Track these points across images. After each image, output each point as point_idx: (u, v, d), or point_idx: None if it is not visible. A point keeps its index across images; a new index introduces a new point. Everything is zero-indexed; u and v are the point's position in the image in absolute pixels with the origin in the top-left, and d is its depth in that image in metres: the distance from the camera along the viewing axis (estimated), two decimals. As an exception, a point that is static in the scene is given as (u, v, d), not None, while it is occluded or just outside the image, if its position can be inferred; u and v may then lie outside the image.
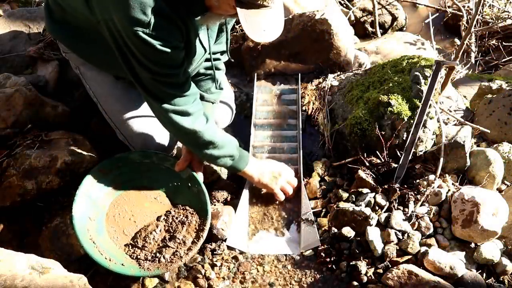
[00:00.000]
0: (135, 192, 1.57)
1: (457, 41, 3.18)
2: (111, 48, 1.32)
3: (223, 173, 1.79)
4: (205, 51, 1.49)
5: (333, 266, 1.52)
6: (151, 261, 1.43)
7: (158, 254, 1.44)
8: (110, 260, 1.38)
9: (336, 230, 1.57)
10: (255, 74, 2.15)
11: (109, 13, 1.20)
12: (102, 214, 1.50)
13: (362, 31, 3.18)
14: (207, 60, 1.62)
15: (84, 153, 1.67)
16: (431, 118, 1.70)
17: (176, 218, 1.52)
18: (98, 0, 1.23)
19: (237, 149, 1.56)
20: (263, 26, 1.20)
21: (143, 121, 1.62)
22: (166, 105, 1.36)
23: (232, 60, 1.70)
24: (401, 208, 1.56)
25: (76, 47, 1.55)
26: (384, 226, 1.53)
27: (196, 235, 1.49)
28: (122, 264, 1.39)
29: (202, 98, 1.65)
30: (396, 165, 1.63)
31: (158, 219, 1.53)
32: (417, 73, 1.74)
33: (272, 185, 1.66)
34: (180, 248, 1.45)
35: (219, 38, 1.60)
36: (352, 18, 3.14)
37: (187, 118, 1.40)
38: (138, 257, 1.43)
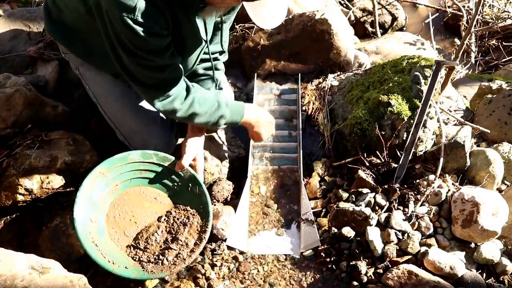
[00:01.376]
0: (135, 192, 1.56)
1: (457, 41, 3.18)
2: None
3: (223, 173, 1.79)
4: (205, 42, 1.50)
5: (333, 266, 1.52)
6: (154, 263, 1.42)
7: (161, 256, 1.43)
8: (113, 263, 1.37)
9: (336, 230, 1.57)
10: (255, 74, 2.15)
11: None
12: (103, 215, 1.49)
13: (362, 31, 3.18)
14: (206, 60, 1.62)
15: (84, 153, 1.67)
16: (431, 118, 1.70)
17: (178, 219, 1.51)
18: None
19: (226, 107, 1.57)
20: (270, 13, 1.22)
21: (143, 121, 1.62)
22: (148, 89, 1.39)
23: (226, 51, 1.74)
24: (401, 208, 1.56)
25: (74, 47, 1.56)
26: (384, 226, 1.53)
27: (198, 237, 1.48)
28: (125, 267, 1.38)
29: None
30: (396, 165, 1.63)
31: (159, 219, 1.53)
32: (417, 73, 1.74)
33: (264, 137, 1.75)
34: (183, 250, 1.45)
35: (216, 37, 1.60)
36: (352, 18, 3.14)
37: (169, 99, 1.42)
38: (141, 259, 1.43)
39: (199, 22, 1.40)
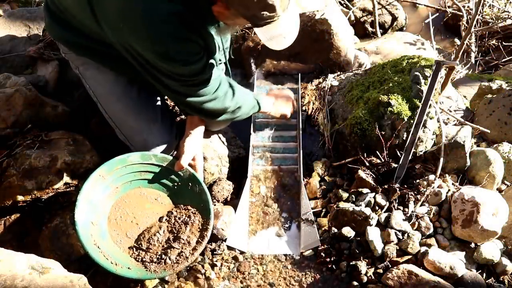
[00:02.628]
0: (136, 194, 1.57)
1: (457, 41, 3.18)
2: (111, 45, 1.37)
3: (223, 173, 1.79)
4: (219, 48, 1.56)
5: (333, 266, 1.52)
6: (157, 263, 1.42)
7: (163, 256, 1.44)
8: (116, 264, 1.37)
9: (336, 230, 1.57)
10: (255, 73, 2.15)
11: (127, 40, 1.29)
12: (104, 218, 1.49)
13: (362, 31, 3.18)
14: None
15: (84, 153, 1.67)
16: (431, 118, 1.70)
17: (179, 218, 1.52)
18: (109, 25, 1.30)
19: (255, 97, 1.72)
20: (282, 34, 1.27)
21: (144, 120, 1.62)
22: (198, 99, 1.46)
23: (232, 57, 1.80)
24: (401, 208, 1.56)
25: (75, 46, 1.56)
26: (384, 226, 1.53)
27: (200, 235, 1.49)
28: (128, 268, 1.39)
29: None
30: (396, 165, 1.63)
31: (160, 220, 1.53)
32: (417, 73, 1.74)
33: (287, 113, 1.91)
34: (185, 249, 1.45)
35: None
36: (352, 18, 3.14)
37: (217, 101, 1.51)
38: (143, 259, 1.43)
39: (215, 34, 1.46)
